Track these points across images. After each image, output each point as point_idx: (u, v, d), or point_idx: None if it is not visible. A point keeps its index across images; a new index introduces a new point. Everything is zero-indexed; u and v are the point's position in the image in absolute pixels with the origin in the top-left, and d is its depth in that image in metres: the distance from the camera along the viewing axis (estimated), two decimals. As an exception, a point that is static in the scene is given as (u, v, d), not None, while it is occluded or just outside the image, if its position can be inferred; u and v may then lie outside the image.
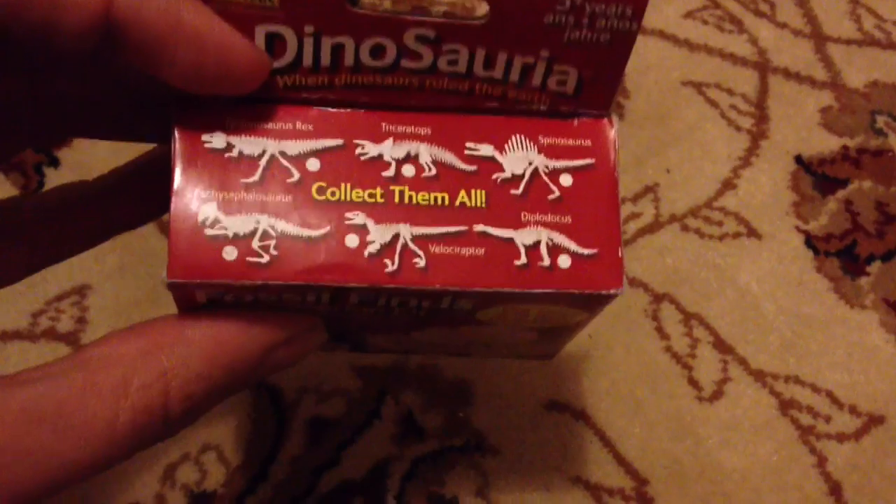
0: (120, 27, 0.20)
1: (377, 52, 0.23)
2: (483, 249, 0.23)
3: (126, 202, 0.28)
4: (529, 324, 0.27)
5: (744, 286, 0.43)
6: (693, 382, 0.41)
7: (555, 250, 0.23)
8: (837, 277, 0.43)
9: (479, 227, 0.23)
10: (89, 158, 0.46)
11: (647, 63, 0.51)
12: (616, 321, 0.42)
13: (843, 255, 0.44)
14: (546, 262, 0.23)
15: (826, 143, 0.48)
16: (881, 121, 0.49)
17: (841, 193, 0.46)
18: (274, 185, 0.23)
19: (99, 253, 0.43)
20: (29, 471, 0.20)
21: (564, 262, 0.23)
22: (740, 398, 0.40)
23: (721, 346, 0.41)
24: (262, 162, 0.23)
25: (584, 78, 0.24)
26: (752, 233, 0.45)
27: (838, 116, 0.49)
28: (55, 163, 0.46)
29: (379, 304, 0.24)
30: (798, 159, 0.47)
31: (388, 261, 0.23)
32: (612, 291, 0.23)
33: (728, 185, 0.46)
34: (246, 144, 0.23)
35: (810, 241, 0.44)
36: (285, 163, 0.23)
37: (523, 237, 0.23)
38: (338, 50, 0.23)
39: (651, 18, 0.53)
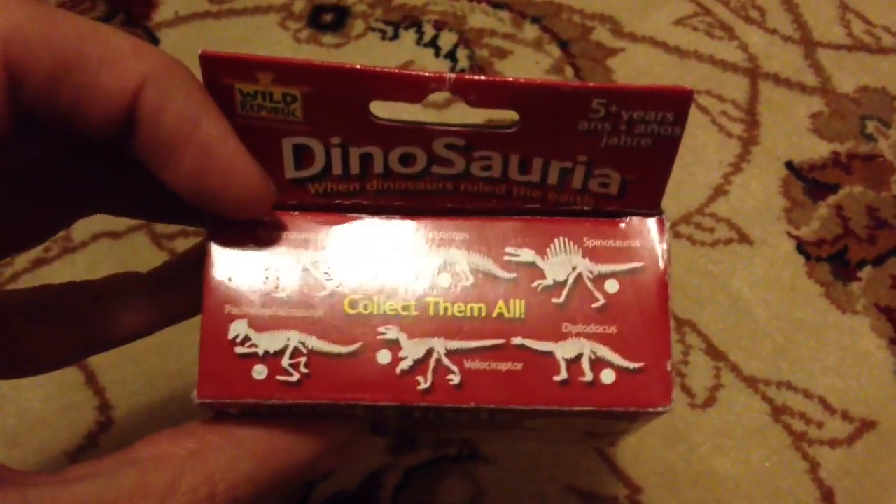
0: (140, 121, 0.21)
1: (406, 159, 0.23)
2: (521, 364, 0.22)
3: (179, 295, 0.27)
4: (577, 433, 0.26)
5: (736, 292, 0.43)
6: (686, 389, 0.41)
7: (598, 364, 0.22)
8: (829, 283, 0.43)
9: (517, 341, 0.22)
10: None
11: (637, 70, 0.51)
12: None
13: (834, 261, 0.44)
14: (588, 377, 0.22)
15: (817, 149, 0.48)
16: (871, 126, 0.49)
17: (832, 199, 0.46)
18: (305, 304, 0.22)
19: (92, 264, 0.43)
20: None
21: (608, 377, 0.22)
22: (733, 404, 0.40)
23: (713, 352, 0.42)
24: (296, 277, 0.23)
25: (627, 180, 0.23)
26: (744, 239, 0.45)
27: (828, 122, 0.49)
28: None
29: (415, 416, 0.24)
30: (789, 165, 0.47)
31: (420, 378, 0.22)
32: (658, 409, 0.22)
33: (719, 191, 0.46)
34: (278, 257, 0.23)
35: (802, 246, 0.44)
36: (317, 277, 0.23)
37: (564, 350, 0.22)
38: (367, 159, 0.23)
39: (641, 25, 0.53)
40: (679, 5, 0.54)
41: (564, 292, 0.23)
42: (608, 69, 0.51)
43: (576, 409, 0.22)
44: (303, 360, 0.22)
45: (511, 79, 0.21)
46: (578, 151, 0.22)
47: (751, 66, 0.51)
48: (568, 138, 0.22)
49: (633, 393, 0.22)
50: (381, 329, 0.22)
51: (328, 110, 0.22)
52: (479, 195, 0.23)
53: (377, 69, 0.21)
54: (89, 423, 0.39)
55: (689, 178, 0.47)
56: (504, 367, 0.22)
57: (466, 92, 0.21)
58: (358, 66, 0.22)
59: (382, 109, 0.22)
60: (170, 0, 0.55)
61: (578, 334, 0.22)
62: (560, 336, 0.22)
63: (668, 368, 0.22)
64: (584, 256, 0.23)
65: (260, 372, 0.22)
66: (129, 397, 0.39)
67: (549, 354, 0.22)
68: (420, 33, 0.53)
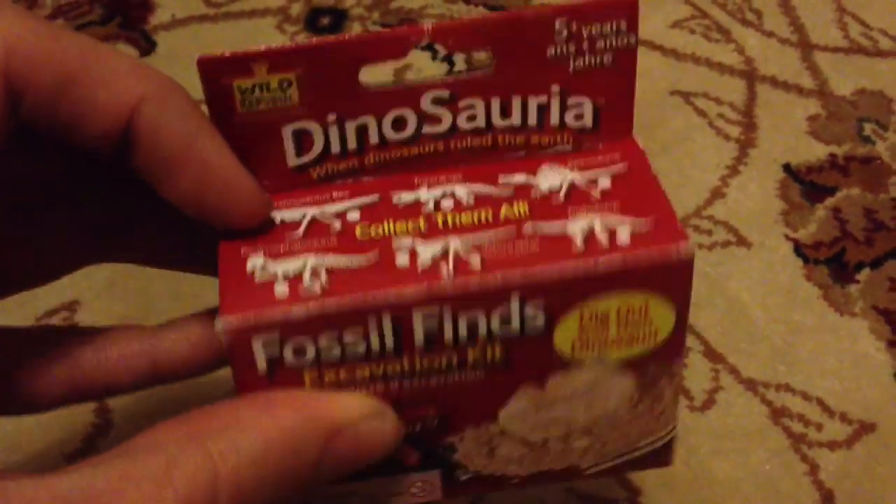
0: (138, 136, 0.21)
1: (399, 124, 0.24)
2: (537, 245, 0.22)
3: (175, 352, 0.27)
4: (614, 348, 0.24)
5: (734, 295, 0.43)
6: (684, 392, 0.41)
7: (610, 230, 0.22)
8: (827, 285, 0.43)
9: (528, 227, 0.23)
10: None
11: (635, 73, 0.51)
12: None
13: (832, 263, 0.44)
14: (604, 241, 0.22)
15: (814, 152, 0.48)
16: (868, 128, 0.49)
17: (829, 201, 0.46)
18: (318, 236, 0.23)
19: (88, 269, 0.43)
20: None
21: (623, 235, 0.22)
22: (732, 407, 0.40)
23: (712, 354, 0.42)
24: (305, 221, 0.24)
25: (598, 106, 0.24)
26: (742, 241, 0.45)
27: (826, 124, 0.49)
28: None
29: (446, 339, 0.23)
30: (786, 168, 0.47)
31: (443, 266, 0.22)
32: (681, 248, 0.22)
33: (717, 194, 0.46)
34: (286, 213, 0.24)
35: (799, 249, 0.45)
36: (326, 220, 0.24)
37: (575, 226, 0.22)
38: (362, 131, 0.24)
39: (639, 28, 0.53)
40: (676, 8, 0.54)
41: (562, 192, 0.23)
42: (605, 72, 0.51)
43: (601, 267, 0.22)
44: (322, 277, 0.22)
45: (481, 17, 0.23)
46: (551, 81, 0.24)
47: (748, 68, 0.51)
48: (540, 68, 0.23)
49: (651, 241, 0.22)
50: (395, 242, 0.23)
51: (322, 88, 0.23)
52: (468, 151, 0.24)
53: (361, 36, 0.23)
54: (87, 427, 0.39)
55: (686, 181, 0.47)
56: (521, 249, 0.22)
57: (445, 38, 0.23)
58: (345, 37, 0.23)
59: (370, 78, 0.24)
60: (167, 3, 0.55)
61: (586, 212, 0.23)
62: (568, 216, 0.23)
63: (677, 220, 0.23)
64: (572, 170, 0.24)
65: (281, 291, 0.22)
66: (127, 400, 0.39)
67: (562, 233, 0.22)
68: (417, 36, 0.53)
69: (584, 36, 0.23)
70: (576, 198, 0.23)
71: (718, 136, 0.48)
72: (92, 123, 0.21)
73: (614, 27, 0.23)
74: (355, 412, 0.23)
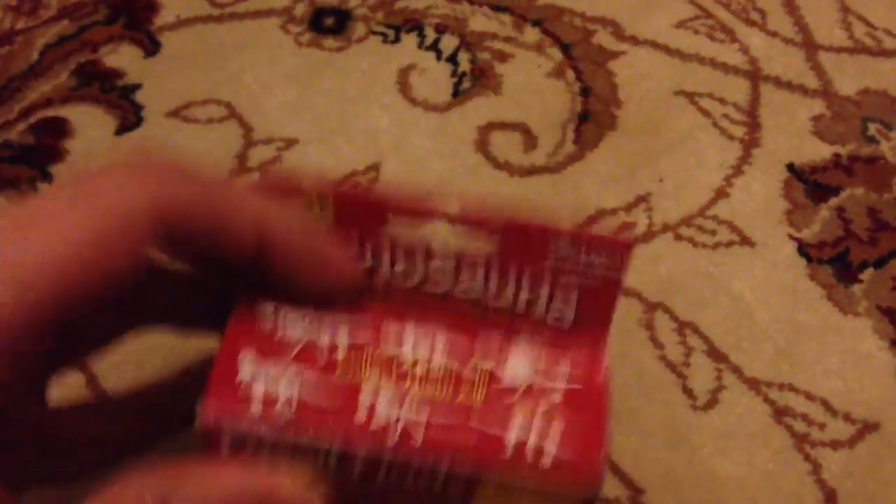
0: (265, 253, 0.25)
1: (406, 273, 0.27)
2: (475, 439, 0.25)
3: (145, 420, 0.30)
4: None
5: (737, 294, 0.43)
6: (687, 391, 0.41)
7: (539, 450, 0.25)
8: (831, 285, 0.43)
9: (473, 423, 0.26)
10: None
11: (638, 73, 0.51)
12: (610, 330, 0.42)
13: (835, 263, 0.44)
14: (530, 459, 0.25)
15: (818, 151, 0.48)
16: (873, 128, 0.49)
17: (833, 201, 0.46)
18: (305, 362, 0.26)
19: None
20: None
21: (547, 461, 0.25)
22: (735, 406, 0.40)
23: (715, 354, 0.42)
24: (299, 346, 0.26)
25: (580, 314, 0.27)
26: (745, 241, 0.45)
27: (830, 124, 0.49)
28: (49, 178, 0.46)
29: (378, 479, 0.26)
30: (790, 167, 0.47)
31: (389, 437, 0.25)
32: (585, 494, 0.25)
33: (721, 193, 0.46)
34: (290, 329, 0.27)
35: (803, 248, 0.44)
36: (317, 349, 0.26)
37: (511, 435, 0.25)
38: (374, 268, 0.27)
39: (643, 28, 0.53)
40: (680, 8, 0.54)
41: (517, 395, 0.26)
42: (609, 72, 0.51)
43: (517, 482, 0.25)
44: (293, 406, 0.25)
45: (493, 214, 0.26)
46: (545, 280, 0.26)
47: (752, 68, 0.51)
48: (536, 267, 0.26)
49: (565, 477, 0.25)
50: (361, 397, 0.26)
51: (352, 220, 0.27)
52: (459, 311, 0.27)
53: (391, 192, 0.27)
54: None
55: (690, 181, 0.47)
56: (460, 439, 0.25)
57: (461, 221, 0.26)
58: (379, 192, 0.27)
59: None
60: (171, 4, 0.55)
61: (525, 426, 0.26)
62: (509, 426, 0.26)
63: (601, 459, 0.25)
64: (535, 374, 0.27)
65: (256, 410, 0.25)
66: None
67: (499, 437, 0.25)
68: (421, 36, 0.53)
69: (581, 260, 0.26)
70: (527, 401, 0.26)
71: (722, 136, 0.48)
72: (231, 253, 0.25)
73: (605, 263, 0.26)
74: (291, 483, 0.25)
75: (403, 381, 0.26)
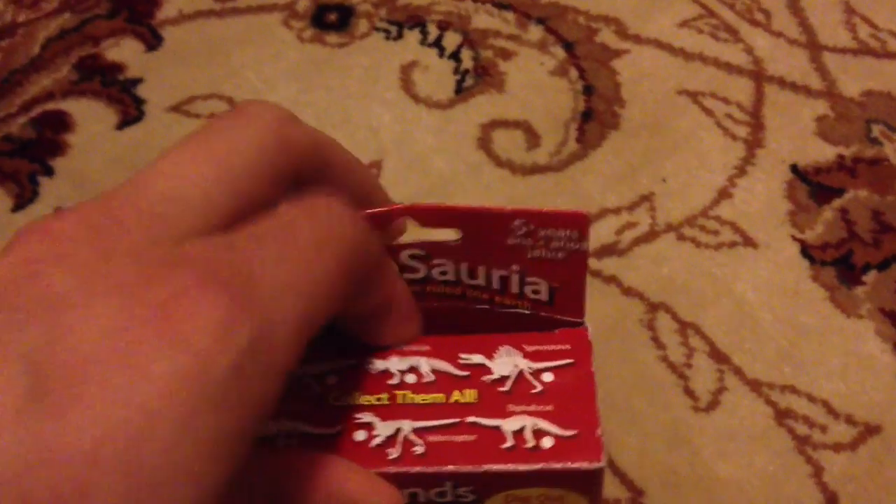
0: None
1: None
2: (475, 437, 0.26)
3: None
4: None
5: (740, 295, 0.43)
6: (689, 392, 0.40)
7: (538, 434, 0.26)
8: (833, 287, 0.43)
9: (470, 419, 0.26)
10: (84, 167, 0.45)
11: (642, 72, 0.51)
12: (612, 331, 0.42)
13: (839, 265, 0.44)
14: (530, 444, 0.26)
15: (822, 152, 0.48)
16: (876, 130, 0.49)
17: (837, 202, 0.46)
18: (299, 397, 0.27)
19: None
20: None
21: (547, 443, 0.26)
22: (736, 408, 0.40)
23: (717, 355, 0.41)
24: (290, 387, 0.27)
25: (553, 288, 0.27)
26: (748, 242, 0.45)
27: (834, 125, 0.49)
28: (49, 172, 0.46)
29: None
30: (794, 168, 0.47)
31: (390, 450, 0.26)
32: (592, 465, 0.25)
33: (724, 194, 0.46)
34: None
35: (806, 250, 0.44)
36: (306, 382, 0.27)
37: (510, 425, 0.26)
38: None
39: (647, 27, 0.53)
40: (684, 7, 0.54)
41: (509, 383, 0.27)
42: (613, 71, 0.51)
43: (521, 468, 0.26)
44: (295, 441, 0.26)
45: (451, 206, 0.26)
46: (511, 262, 0.27)
47: (756, 68, 0.51)
48: (501, 251, 0.27)
49: (569, 454, 0.26)
50: (357, 415, 0.26)
51: None
52: (440, 296, 0.28)
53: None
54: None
55: (693, 181, 0.47)
56: (460, 439, 0.26)
57: (421, 216, 0.27)
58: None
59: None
60: (174, -2, 0.55)
61: (521, 412, 0.26)
62: (506, 414, 0.26)
63: (599, 434, 0.26)
64: (524, 358, 0.27)
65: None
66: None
67: (497, 428, 0.26)
68: (424, 33, 0.53)
69: (541, 235, 0.26)
70: (518, 391, 0.27)
71: (726, 137, 0.48)
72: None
73: (567, 234, 0.26)
74: (361, 487, 0.26)
75: (396, 392, 0.27)
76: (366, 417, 0.26)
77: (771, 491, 0.38)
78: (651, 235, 0.45)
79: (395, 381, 0.27)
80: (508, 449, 0.26)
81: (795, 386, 0.40)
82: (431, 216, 0.27)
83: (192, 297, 0.17)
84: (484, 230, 0.27)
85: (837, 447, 0.39)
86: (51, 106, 0.49)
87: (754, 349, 0.42)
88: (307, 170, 0.24)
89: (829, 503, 0.38)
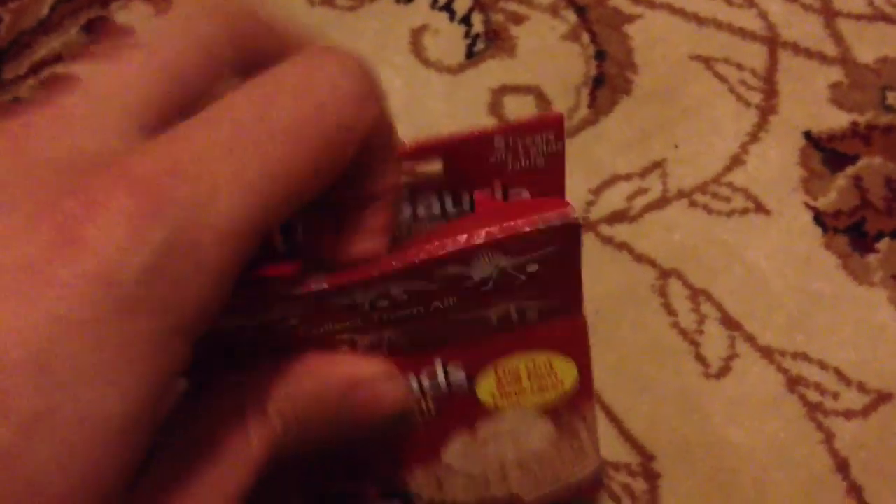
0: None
1: None
2: (458, 326, 0.26)
3: None
4: (528, 396, 0.29)
5: (751, 262, 0.43)
6: (700, 359, 0.40)
7: (521, 310, 0.26)
8: (846, 254, 0.43)
9: (452, 315, 0.26)
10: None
11: (655, 37, 0.50)
12: (623, 297, 0.42)
13: (851, 232, 0.44)
14: (515, 318, 0.26)
15: (836, 119, 0.47)
16: (891, 97, 0.48)
17: (850, 170, 0.46)
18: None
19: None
20: None
21: (532, 314, 0.26)
22: (747, 374, 0.40)
23: (728, 322, 0.41)
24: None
25: (534, 194, 0.28)
26: (761, 209, 0.44)
27: (848, 92, 0.48)
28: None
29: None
30: (807, 135, 0.47)
31: (379, 352, 0.26)
32: (578, 323, 0.27)
33: (736, 160, 0.46)
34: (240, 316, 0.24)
35: (819, 217, 0.44)
36: (272, 328, 0.24)
37: (492, 312, 0.26)
38: None
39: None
40: (698, -28, 0.54)
41: (492, 282, 0.25)
42: (625, 36, 0.51)
43: (506, 341, 0.26)
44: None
45: (435, 139, 0.27)
46: (494, 178, 0.27)
47: (770, 34, 0.50)
48: (483, 172, 0.27)
49: (554, 318, 0.26)
50: (336, 336, 0.25)
51: None
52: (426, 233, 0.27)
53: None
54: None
55: (705, 148, 0.46)
56: (444, 331, 0.26)
57: (401, 153, 0.25)
58: None
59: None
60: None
61: (507, 300, 0.26)
62: (491, 304, 0.26)
63: (581, 297, 0.26)
64: (505, 255, 0.25)
65: None
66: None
67: (482, 317, 0.26)
68: (435, -3, 0.52)
69: (520, 146, 0.27)
70: (503, 284, 0.25)
71: (739, 103, 0.48)
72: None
73: (544, 138, 0.27)
74: (372, 371, 0.26)
75: (371, 315, 0.25)
76: (345, 336, 0.25)
77: (781, 457, 0.38)
78: (663, 202, 0.45)
79: (366, 308, 0.25)
80: (494, 327, 0.26)
81: (807, 353, 0.40)
82: (415, 152, 0.27)
83: (100, 200, 0.17)
84: (466, 155, 0.27)
85: (849, 414, 0.39)
86: (59, 69, 0.49)
87: (766, 316, 0.41)
88: (262, 49, 0.22)
89: (840, 469, 0.38)
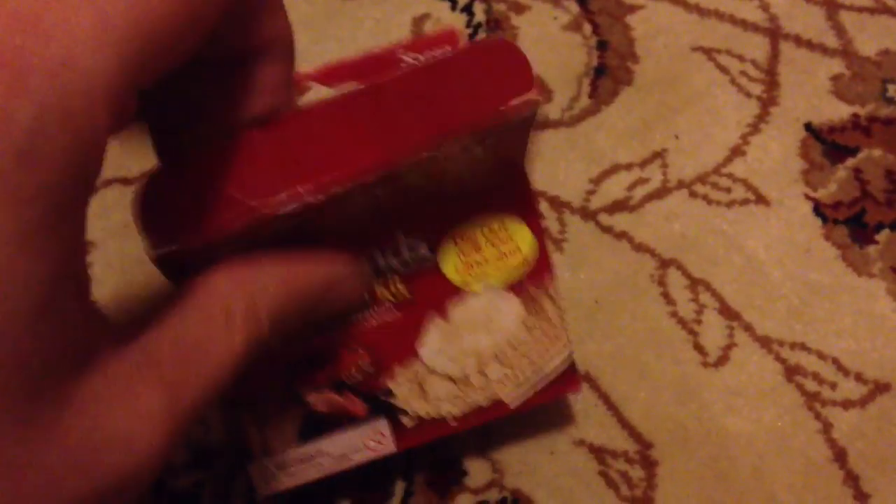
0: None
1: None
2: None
3: None
4: (492, 269, 0.31)
5: (751, 253, 0.43)
6: (698, 348, 0.40)
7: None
8: (845, 245, 0.43)
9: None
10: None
11: (656, 28, 0.50)
12: (622, 286, 0.42)
13: (851, 223, 0.44)
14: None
15: (836, 111, 0.47)
16: (892, 89, 0.48)
17: (850, 161, 0.46)
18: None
19: (104, 210, 0.43)
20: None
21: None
22: (746, 364, 0.40)
23: (727, 311, 0.41)
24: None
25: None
26: (761, 199, 0.44)
27: (849, 84, 0.48)
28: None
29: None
30: (808, 127, 0.47)
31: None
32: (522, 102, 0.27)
33: (737, 151, 0.46)
34: None
35: (819, 208, 0.44)
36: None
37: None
38: None
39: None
40: (700, -37, 0.54)
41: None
42: (627, 26, 0.51)
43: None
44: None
45: (344, 59, 0.30)
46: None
47: (772, 26, 0.50)
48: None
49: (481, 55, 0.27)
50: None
51: None
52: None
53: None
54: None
55: (706, 138, 0.46)
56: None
57: (326, 77, 0.30)
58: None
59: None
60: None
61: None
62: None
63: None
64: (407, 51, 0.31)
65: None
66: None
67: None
68: (437, -14, 0.52)
69: (423, 58, 0.30)
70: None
71: (740, 94, 0.48)
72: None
73: (444, 51, 0.30)
74: (345, 269, 0.28)
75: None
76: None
77: (779, 446, 0.38)
78: (663, 192, 0.45)
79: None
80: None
81: (805, 343, 0.40)
82: (329, 75, 0.29)
83: None
84: (376, 72, 0.28)
85: (847, 404, 0.39)
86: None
87: (765, 306, 0.41)
88: None
89: (838, 459, 0.38)
